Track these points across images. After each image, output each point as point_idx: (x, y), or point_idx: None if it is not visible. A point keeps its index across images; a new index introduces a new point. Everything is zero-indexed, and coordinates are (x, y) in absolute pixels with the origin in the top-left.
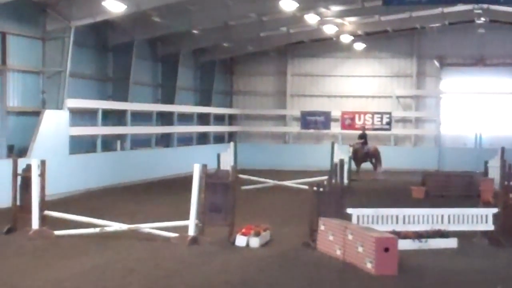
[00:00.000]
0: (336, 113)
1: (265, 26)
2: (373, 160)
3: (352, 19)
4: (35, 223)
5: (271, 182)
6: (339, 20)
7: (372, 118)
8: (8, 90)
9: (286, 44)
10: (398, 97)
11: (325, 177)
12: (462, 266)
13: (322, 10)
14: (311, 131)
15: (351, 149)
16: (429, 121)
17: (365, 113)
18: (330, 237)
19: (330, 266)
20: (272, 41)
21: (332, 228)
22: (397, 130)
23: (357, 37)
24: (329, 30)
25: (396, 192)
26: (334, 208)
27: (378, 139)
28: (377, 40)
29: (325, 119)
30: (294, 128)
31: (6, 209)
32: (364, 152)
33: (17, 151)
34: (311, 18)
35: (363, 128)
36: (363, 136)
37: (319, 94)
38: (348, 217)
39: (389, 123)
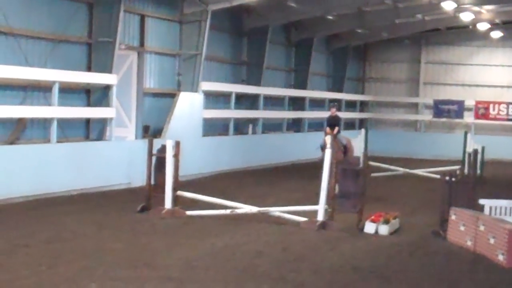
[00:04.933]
0: (469, 103)
1: (400, 13)
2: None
3: (490, 7)
4: (168, 203)
5: (401, 170)
6: (476, 8)
7: (507, 108)
8: (145, 72)
9: (421, 31)
10: None
11: (457, 167)
12: None
13: None
14: (444, 120)
15: (328, 139)
16: None
17: (499, 103)
18: (461, 228)
19: (460, 257)
20: (407, 28)
21: (463, 218)
22: None
23: (494, 26)
24: (465, 17)
25: None
26: (465, 198)
27: None
28: None
29: (458, 108)
30: (426, 116)
31: (141, 188)
32: (341, 146)
33: (152, 131)
34: (447, 5)
35: (335, 107)
36: (334, 122)
37: (453, 82)
38: (480, 208)
39: None
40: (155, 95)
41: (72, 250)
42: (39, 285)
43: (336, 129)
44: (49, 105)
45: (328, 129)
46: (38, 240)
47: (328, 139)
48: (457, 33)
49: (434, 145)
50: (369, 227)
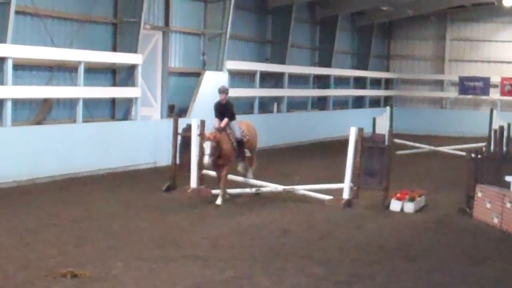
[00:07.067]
0: (495, 79)
1: None
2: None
3: None
4: (193, 182)
5: (426, 147)
6: None
7: None
8: (170, 51)
9: (446, 8)
10: None
11: (483, 144)
12: None
13: None
14: (469, 96)
15: (207, 145)
16: None
17: None
18: (487, 205)
19: (487, 234)
20: (432, 5)
21: (490, 195)
22: None
23: None
24: None
25: None
26: (491, 175)
27: None
28: None
29: (484, 85)
30: (452, 93)
31: (166, 167)
32: (234, 141)
33: (177, 111)
34: None
35: (225, 93)
36: (225, 109)
37: (479, 59)
38: (506, 185)
39: None
40: (180, 74)
41: (99, 229)
42: (66, 265)
43: (225, 120)
44: (75, 85)
45: (216, 120)
46: (65, 220)
47: (208, 145)
48: (483, 10)
49: (459, 122)
50: (395, 205)
